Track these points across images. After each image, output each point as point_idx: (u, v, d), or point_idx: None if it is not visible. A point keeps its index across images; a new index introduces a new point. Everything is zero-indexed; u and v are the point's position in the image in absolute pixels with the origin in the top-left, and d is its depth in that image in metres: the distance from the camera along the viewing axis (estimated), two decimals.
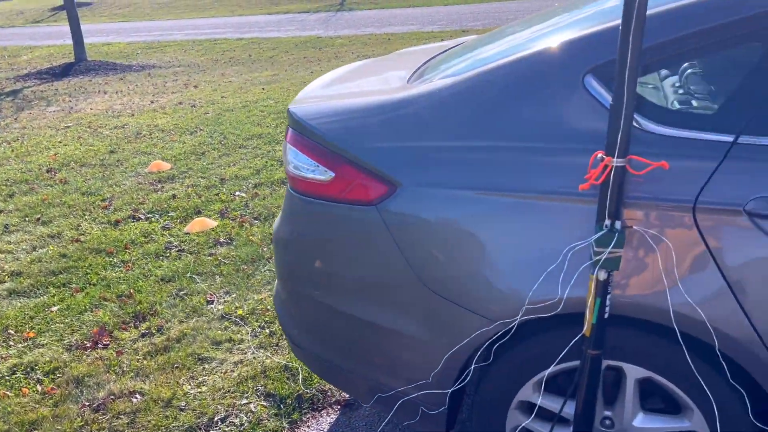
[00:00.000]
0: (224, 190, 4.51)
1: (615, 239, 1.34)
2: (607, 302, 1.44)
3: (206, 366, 2.59)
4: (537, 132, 1.55)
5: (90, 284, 3.31)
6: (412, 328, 1.73)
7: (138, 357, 2.67)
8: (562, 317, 1.55)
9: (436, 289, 1.65)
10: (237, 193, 4.44)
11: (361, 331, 1.83)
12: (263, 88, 8.03)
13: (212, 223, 3.92)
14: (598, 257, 1.37)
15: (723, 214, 1.40)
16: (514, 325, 1.56)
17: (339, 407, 2.34)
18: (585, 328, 1.48)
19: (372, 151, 1.70)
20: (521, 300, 1.53)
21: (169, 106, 7.38)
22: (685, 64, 1.85)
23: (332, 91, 2.12)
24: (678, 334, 1.44)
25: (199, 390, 2.45)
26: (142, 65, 11.24)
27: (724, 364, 1.44)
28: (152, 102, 7.76)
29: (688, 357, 1.45)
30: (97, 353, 2.71)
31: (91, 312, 3.04)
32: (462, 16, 14.41)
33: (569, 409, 1.64)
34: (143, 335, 2.84)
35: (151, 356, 2.67)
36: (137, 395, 2.43)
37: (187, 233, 3.83)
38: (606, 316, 1.45)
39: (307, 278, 1.92)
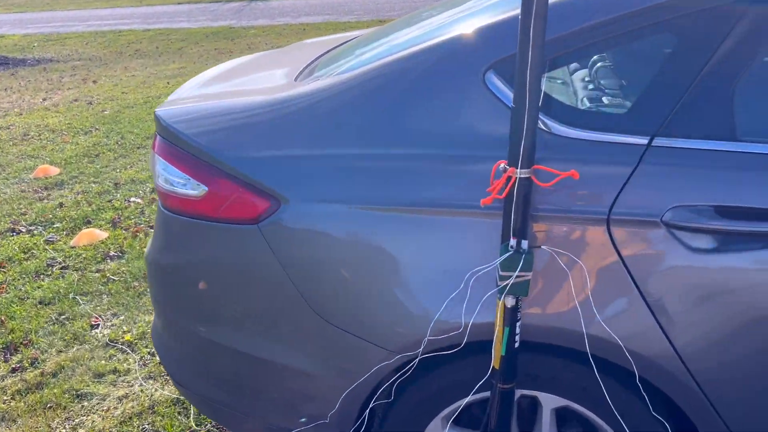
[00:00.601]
0: (118, 195, 4.13)
1: (522, 262, 1.16)
2: (517, 330, 1.27)
3: (85, 404, 2.28)
4: (436, 138, 1.35)
5: None
6: (306, 363, 1.51)
7: (5, 397, 2.33)
8: (470, 345, 1.37)
9: (330, 318, 1.44)
10: (132, 199, 4.07)
11: (250, 367, 1.59)
12: (168, 83, 7.56)
13: (102, 234, 3.56)
14: (504, 282, 1.19)
15: (639, 227, 1.25)
16: (416, 358, 1.37)
17: None
18: (494, 360, 1.30)
19: (250, 161, 1.46)
20: (422, 330, 1.34)
21: (63, 104, 6.82)
22: (595, 57, 1.71)
23: (211, 90, 1.86)
24: (591, 362, 1.28)
25: None
26: (38, 59, 10.44)
27: (644, 392, 1.30)
28: (45, 99, 7.16)
29: (602, 385, 1.30)
30: None
31: None
32: (379, 6, 14.22)
33: None
34: (13, 370, 2.49)
35: (21, 395, 2.33)
36: None
37: (73, 247, 3.46)
38: (516, 345, 1.28)
39: (184, 310, 1.66)
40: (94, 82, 8.05)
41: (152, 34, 12.67)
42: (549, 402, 1.42)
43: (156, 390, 2.31)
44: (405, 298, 1.36)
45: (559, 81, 1.73)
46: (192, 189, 1.52)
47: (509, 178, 1.16)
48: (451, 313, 1.31)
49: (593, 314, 1.25)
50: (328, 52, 2.04)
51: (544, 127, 1.29)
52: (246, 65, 2.17)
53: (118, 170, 4.61)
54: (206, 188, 1.50)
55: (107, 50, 11.13)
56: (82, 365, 2.48)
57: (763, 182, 1.21)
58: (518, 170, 1.15)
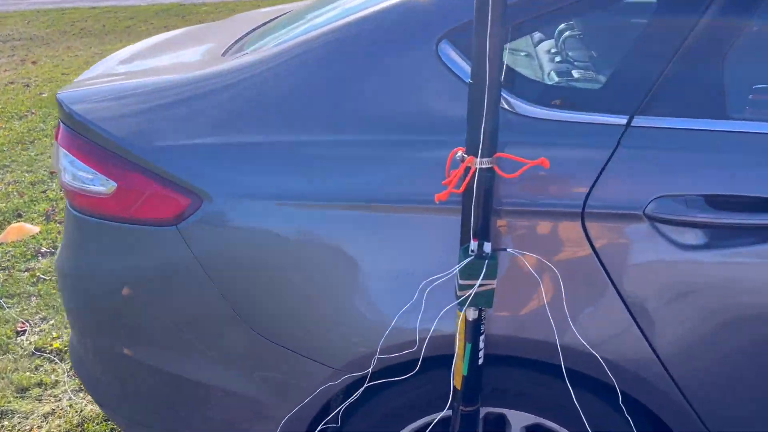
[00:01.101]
0: (53, 186, 3.83)
1: (484, 268, 0.97)
2: (481, 345, 1.09)
3: (5, 423, 2.04)
4: (380, 121, 1.15)
5: None
6: (242, 384, 1.31)
7: None
8: (427, 360, 1.18)
9: (265, 332, 1.24)
10: None
11: (180, 389, 1.38)
12: None
13: (34, 228, 3.27)
14: (464, 292, 1.00)
15: (618, 221, 1.08)
16: (366, 378, 1.18)
17: None
18: (455, 379, 1.12)
19: (165, 151, 1.24)
20: (371, 345, 1.15)
21: None
22: (563, 25, 1.52)
23: (128, 68, 1.62)
24: (565, 376, 1.11)
25: None
26: None
27: (624, 408, 1.14)
28: None
29: (575, 401, 1.14)
30: None
31: None
32: None
33: None
34: None
35: None
36: None
37: (0, 243, 3.17)
38: (480, 362, 1.10)
39: (101, 325, 1.44)
40: (34, 63, 7.58)
41: (98, 12, 12.08)
42: (518, 420, 1.25)
43: (86, 405, 2.08)
44: (350, 309, 1.16)
45: (522, 53, 1.55)
46: (100, 185, 1.30)
47: (468, 168, 0.97)
48: (405, 326, 1.12)
49: (567, 323, 1.07)
50: (263, 24, 1.81)
51: (506, 106, 1.10)
52: (173, 40, 1.93)
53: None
54: (115, 184, 1.27)
55: (50, 29, 10.56)
56: (3, 378, 2.23)
57: (760, 167, 1.04)
58: (478, 159, 0.96)
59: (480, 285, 0.98)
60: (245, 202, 1.19)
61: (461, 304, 1.01)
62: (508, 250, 1.00)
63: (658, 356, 1.10)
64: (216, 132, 1.22)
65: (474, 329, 1.05)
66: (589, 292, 1.09)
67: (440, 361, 1.17)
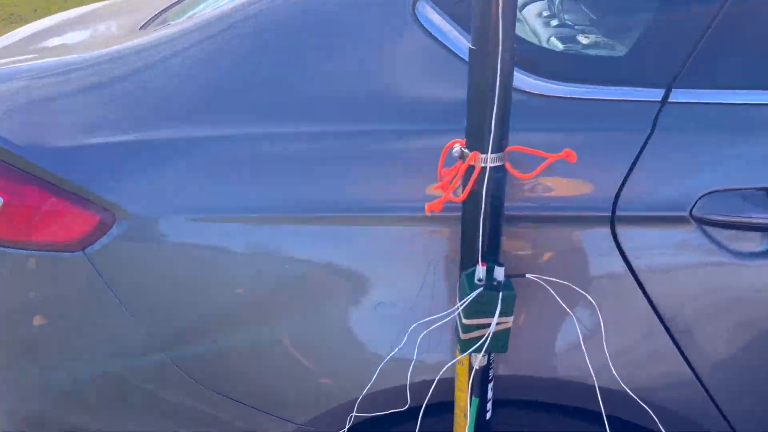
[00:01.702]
0: None
1: (499, 303, 0.72)
2: (489, 395, 0.83)
3: None
4: (346, 108, 0.88)
5: None
6: None
7: None
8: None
9: (208, 381, 0.97)
10: None
11: None
12: None
13: None
14: (469, 335, 0.74)
15: (657, 227, 0.83)
16: None
17: None
18: None
19: (64, 154, 0.94)
20: (346, 397, 0.89)
21: None
22: None
23: (24, 48, 1.30)
24: (605, 424, 0.87)
25: None
26: None
27: None
28: None
29: None
30: None
31: None
32: None
33: None
34: None
35: None
36: None
37: None
38: (489, 415, 0.85)
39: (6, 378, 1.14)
40: None
41: None
42: None
43: None
44: (315, 352, 0.90)
45: None
46: None
47: (471, 168, 0.71)
48: (391, 373, 0.86)
49: (605, 361, 0.83)
50: None
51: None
52: (90, 14, 1.61)
53: None
54: (1, 200, 0.97)
55: None
56: None
57: None
58: (486, 156, 0.69)
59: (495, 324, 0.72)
60: (171, 217, 0.91)
61: (464, 349, 0.75)
62: (527, 276, 0.75)
63: (711, 398, 0.87)
64: (129, 127, 0.93)
65: (482, 379, 0.80)
66: (624, 320, 0.85)
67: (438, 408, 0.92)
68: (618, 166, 0.83)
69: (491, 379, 0.82)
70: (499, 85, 0.65)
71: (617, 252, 0.83)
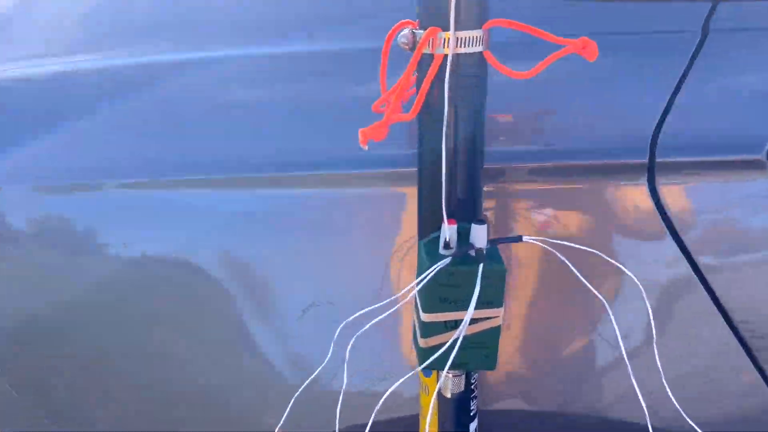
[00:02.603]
0: None
1: (478, 280, 0.43)
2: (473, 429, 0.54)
3: None
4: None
5: None
6: None
7: None
8: None
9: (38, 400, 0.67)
10: None
11: None
12: None
13: None
14: (434, 339, 0.45)
15: (718, 176, 0.56)
16: None
17: None
18: None
19: None
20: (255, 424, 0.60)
21: None
22: None
23: None
24: None
25: None
26: None
27: None
28: None
29: None
30: None
31: None
32: None
33: None
34: None
35: None
36: None
37: None
38: None
39: None
40: None
41: None
42: None
43: None
44: (210, 366, 0.61)
45: None
46: None
47: (427, 59, 0.43)
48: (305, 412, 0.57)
49: (653, 375, 0.54)
50: None
51: None
52: None
53: None
54: None
55: None
56: None
57: None
58: (450, 35, 0.41)
59: (471, 323, 0.44)
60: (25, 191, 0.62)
61: (429, 365, 0.46)
62: (525, 238, 0.46)
63: None
64: None
65: (457, 415, 0.50)
66: (678, 314, 0.57)
67: None
68: (652, 89, 0.56)
69: (473, 414, 0.52)
70: None
71: (659, 217, 0.55)
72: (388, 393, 0.43)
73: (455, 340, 0.44)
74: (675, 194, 0.55)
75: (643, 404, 0.44)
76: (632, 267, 0.48)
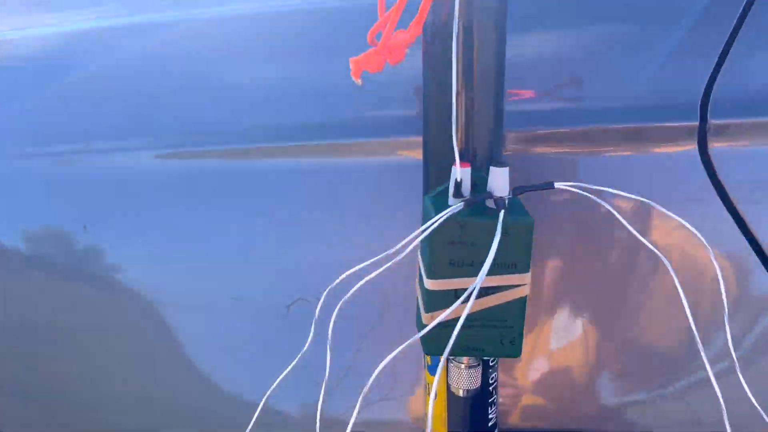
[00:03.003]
0: None
1: (498, 235, 0.33)
2: None
3: None
4: None
5: None
6: None
7: None
8: None
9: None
10: None
11: None
12: None
13: None
14: (438, 313, 0.36)
15: None
16: None
17: None
18: None
19: None
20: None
21: None
22: None
23: None
24: None
25: None
26: None
27: None
28: None
29: None
30: None
31: None
32: None
33: None
34: None
35: None
36: None
37: None
38: None
39: None
40: None
41: None
42: None
43: None
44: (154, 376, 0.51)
45: None
46: None
47: None
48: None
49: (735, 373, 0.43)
50: None
51: None
52: None
53: None
54: None
55: None
56: None
57: None
58: None
59: (490, 292, 0.34)
60: None
61: (429, 347, 0.36)
62: (557, 185, 0.36)
63: None
64: None
65: (472, 420, 0.40)
66: (737, 298, 0.46)
67: None
68: (699, 33, 0.47)
69: (492, 425, 0.41)
70: None
71: (711, 183, 0.46)
72: (371, 381, 0.33)
73: (467, 316, 0.34)
74: (730, 160, 0.46)
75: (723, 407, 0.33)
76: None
